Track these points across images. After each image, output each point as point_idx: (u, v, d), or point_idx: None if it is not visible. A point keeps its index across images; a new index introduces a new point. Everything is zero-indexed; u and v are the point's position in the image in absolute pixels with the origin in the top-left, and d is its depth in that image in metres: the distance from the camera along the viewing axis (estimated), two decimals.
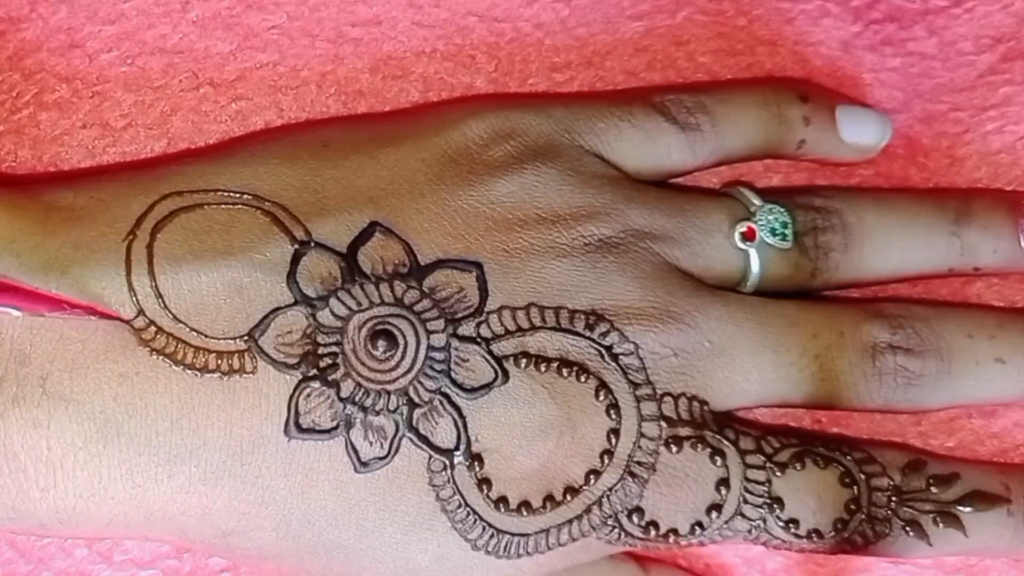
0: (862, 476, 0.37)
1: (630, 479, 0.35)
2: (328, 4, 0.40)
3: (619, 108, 0.39)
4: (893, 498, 0.37)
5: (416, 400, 0.34)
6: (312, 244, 0.34)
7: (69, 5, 0.39)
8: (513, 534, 0.35)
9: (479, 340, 0.34)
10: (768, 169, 0.41)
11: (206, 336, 0.33)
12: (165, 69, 0.39)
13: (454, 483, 0.34)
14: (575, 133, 0.38)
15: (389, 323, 0.34)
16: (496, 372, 0.34)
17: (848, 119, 0.40)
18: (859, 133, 0.40)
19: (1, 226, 0.33)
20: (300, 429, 0.33)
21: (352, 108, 0.40)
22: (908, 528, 0.36)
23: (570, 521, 0.35)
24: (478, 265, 0.35)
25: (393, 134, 0.37)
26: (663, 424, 0.35)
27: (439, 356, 0.34)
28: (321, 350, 0.33)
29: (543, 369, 0.34)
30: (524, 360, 0.34)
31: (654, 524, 0.35)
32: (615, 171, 0.38)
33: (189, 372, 0.33)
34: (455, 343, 0.34)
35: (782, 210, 0.38)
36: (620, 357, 0.35)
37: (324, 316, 0.33)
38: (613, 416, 0.35)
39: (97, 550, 0.38)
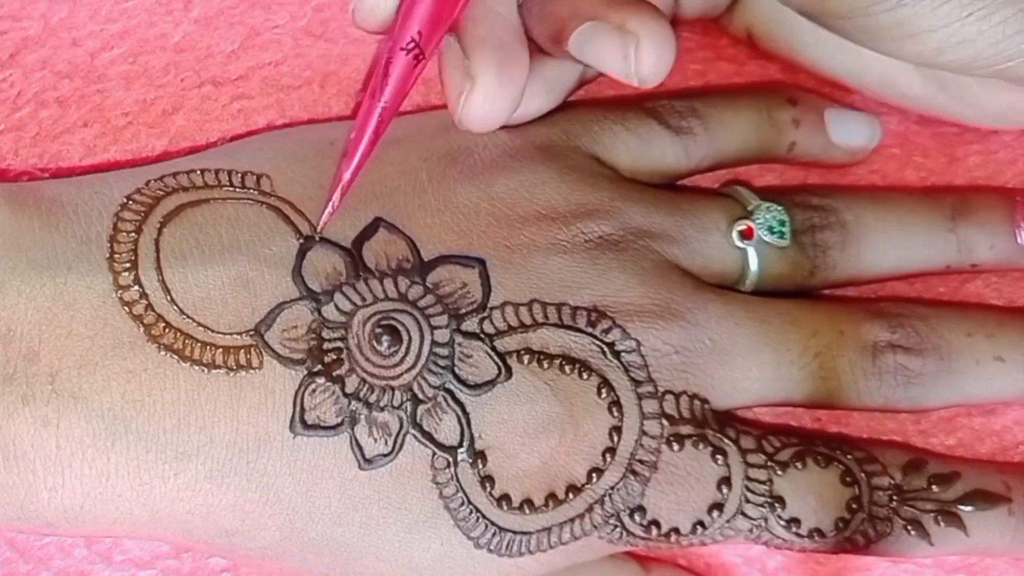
0: (863, 475, 0.37)
1: (632, 477, 0.35)
2: (331, 4, 0.40)
3: (614, 112, 0.39)
4: (894, 497, 0.37)
5: (420, 396, 0.34)
6: (317, 239, 0.34)
7: (71, 3, 0.39)
8: (515, 532, 0.35)
9: (482, 336, 0.34)
10: (765, 169, 0.42)
11: (212, 331, 0.33)
12: (167, 67, 0.39)
13: (457, 481, 0.34)
14: (572, 135, 0.38)
15: (393, 318, 0.34)
16: (499, 368, 0.34)
17: (837, 121, 0.40)
18: (848, 134, 0.40)
19: (6, 222, 0.33)
20: (305, 425, 0.33)
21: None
22: (909, 527, 0.36)
23: (572, 520, 0.35)
24: (481, 261, 0.35)
25: (396, 134, 0.37)
26: (665, 422, 0.35)
27: (443, 352, 0.34)
28: (326, 345, 0.33)
29: (546, 366, 0.35)
30: (527, 356, 0.34)
31: (656, 523, 0.35)
32: (612, 172, 0.38)
33: (196, 368, 0.33)
34: (459, 339, 0.34)
35: (779, 208, 0.39)
36: (622, 354, 0.35)
37: (329, 311, 0.34)
38: (615, 414, 0.35)
39: (96, 550, 0.38)
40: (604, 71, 0.35)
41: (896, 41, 0.34)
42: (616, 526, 0.35)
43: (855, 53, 0.39)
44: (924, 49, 0.34)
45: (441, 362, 0.34)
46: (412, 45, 0.33)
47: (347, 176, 0.34)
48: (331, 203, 0.34)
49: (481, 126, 0.35)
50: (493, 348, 0.34)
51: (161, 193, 0.34)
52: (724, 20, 0.42)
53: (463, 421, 0.34)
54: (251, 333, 0.33)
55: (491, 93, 0.35)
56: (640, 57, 0.34)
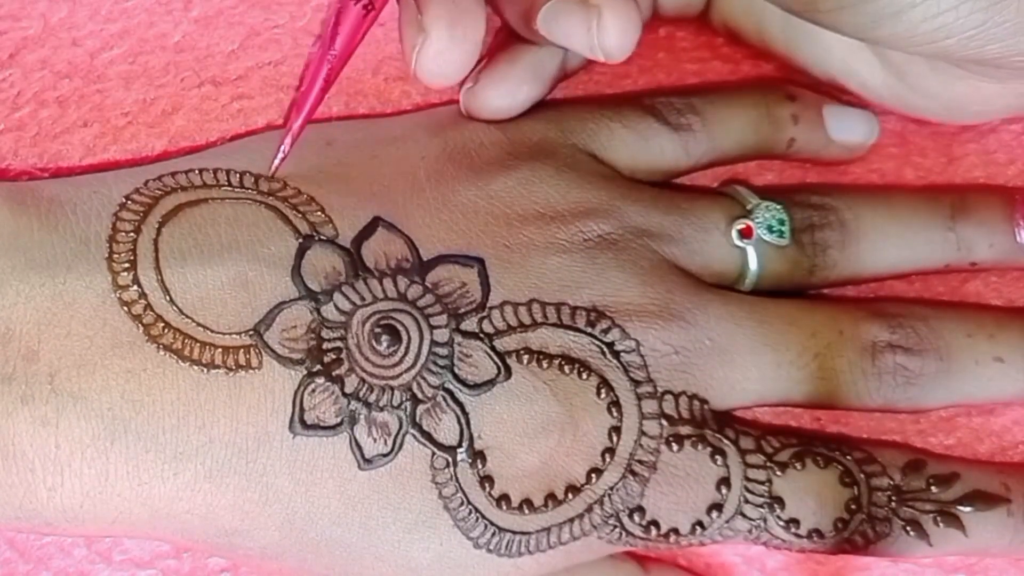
0: (862, 476, 0.37)
1: (631, 478, 0.35)
2: (331, 3, 0.40)
3: (611, 110, 0.39)
4: (893, 498, 0.37)
5: (419, 396, 0.33)
6: (316, 239, 0.34)
7: (71, 3, 0.39)
8: (515, 532, 0.35)
9: (482, 336, 0.34)
10: (764, 168, 0.42)
11: (212, 331, 0.33)
12: (167, 67, 0.39)
13: (456, 481, 0.34)
14: (568, 133, 0.38)
15: (392, 318, 0.34)
16: (499, 368, 0.34)
17: (835, 117, 0.40)
18: (847, 131, 0.40)
19: (6, 222, 0.33)
20: (305, 425, 0.33)
21: (354, 108, 0.40)
22: (908, 528, 0.37)
23: (571, 520, 0.35)
24: (480, 260, 0.35)
25: (394, 133, 0.37)
26: (664, 422, 0.35)
27: (442, 352, 0.34)
28: (325, 345, 0.33)
29: (545, 366, 0.35)
30: (526, 356, 0.34)
31: (655, 523, 0.35)
32: (610, 170, 0.38)
33: (195, 368, 0.32)
34: (458, 338, 0.34)
35: (779, 208, 0.39)
36: (621, 354, 0.35)
37: (328, 311, 0.33)
38: (614, 414, 0.35)
39: (96, 550, 0.38)
40: (572, 48, 0.35)
41: (834, 13, 0.33)
42: (615, 526, 0.35)
43: (819, 42, 0.39)
44: (861, 21, 0.33)
45: (440, 362, 0.34)
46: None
47: (296, 124, 0.34)
48: (281, 149, 0.34)
49: (434, 80, 0.36)
50: (492, 348, 0.34)
51: (160, 193, 0.34)
52: (704, 18, 0.42)
53: (462, 421, 0.34)
54: (250, 333, 0.33)
55: (443, 46, 0.35)
56: (602, 29, 0.34)
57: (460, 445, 0.34)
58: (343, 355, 0.33)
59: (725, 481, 0.36)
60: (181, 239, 0.34)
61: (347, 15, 0.34)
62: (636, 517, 0.35)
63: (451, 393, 0.34)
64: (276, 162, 0.35)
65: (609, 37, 0.35)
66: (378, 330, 0.33)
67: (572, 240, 0.36)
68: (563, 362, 0.35)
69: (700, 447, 0.36)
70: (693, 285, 0.37)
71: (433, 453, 0.34)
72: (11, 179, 0.38)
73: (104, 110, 0.39)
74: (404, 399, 0.33)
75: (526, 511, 0.34)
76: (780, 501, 0.36)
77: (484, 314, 0.34)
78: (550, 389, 0.34)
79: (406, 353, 0.34)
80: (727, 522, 0.36)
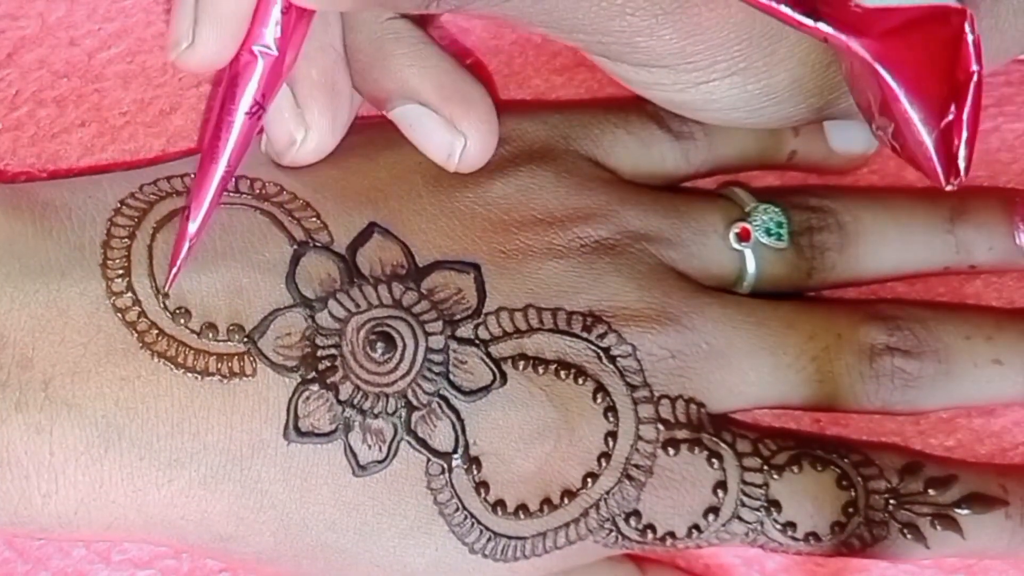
0: (859, 479, 0.37)
1: (627, 482, 0.35)
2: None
3: (615, 115, 0.39)
4: (890, 501, 0.37)
5: (414, 403, 0.33)
6: (311, 245, 0.34)
7: (68, 2, 0.39)
8: (510, 537, 0.35)
9: (477, 342, 0.34)
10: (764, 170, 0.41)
11: (206, 338, 0.33)
12: (164, 67, 0.39)
13: (452, 486, 0.34)
14: (571, 138, 0.38)
15: (387, 325, 0.34)
16: (494, 374, 0.34)
17: (836, 128, 0.40)
18: (848, 141, 0.40)
19: (0, 228, 0.33)
20: (299, 433, 0.33)
21: None
22: (905, 531, 0.37)
23: (567, 524, 0.35)
24: (476, 266, 0.35)
25: (392, 137, 0.37)
26: (660, 427, 0.35)
27: (437, 358, 0.34)
28: (320, 352, 0.33)
29: (541, 371, 0.34)
30: (522, 362, 0.34)
31: (651, 527, 0.36)
32: (610, 175, 0.38)
33: (190, 375, 0.32)
34: (453, 345, 0.34)
35: (777, 210, 0.38)
36: (618, 359, 0.35)
37: (323, 318, 0.33)
38: (610, 419, 0.35)
39: (95, 550, 0.38)
40: (423, 152, 0.36)
41: None
42: (611, 530, 0.35)
43: None
44: None
45: (436, 368, 0.34)
46: (256, 108, 0.32)
47: (184, 252, 0.33)
48: (178, 261, 0.33)
49: (303, 164, 0.36)
50: (488, 354, 0.34)
51: (155, 198, 0.34)
52: None
53: (457, 427, 0.34)
54: (244, 340, 0.33)
55: (326, 141, 0.35)
56: (466, 155, 0.35)
57: (455, 451, 0.34)
58: (338, 362, 0.33)
59: (722, 484, 0.36)
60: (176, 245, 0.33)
61: (231, 126, 0.32)
62: (632, 521, 0.35)
63: (446, 399, 0.34)
64: (171, 276, 0.33)
65: (471, 161, 0.36)
66: (373, 337, 0.33)
67: (569, 246, 0.36)
68: (559, 367, 0.35)
69: (696, 451, 0.36)
70: (690, 288, 0.37)
71: (428, 459, 0.34)
72: (9, 179, 0.38)
73: (102, 110, 0.39)
74: (399, 406, 0.33)
75: (522, 516, 0.34)
76: (777, 504, 0.36)
77: (480, 320, 0.34)
78: (546, 394, 0.34)
79: (401, 360, 0.34)
80: (724, 525, 0.36)
